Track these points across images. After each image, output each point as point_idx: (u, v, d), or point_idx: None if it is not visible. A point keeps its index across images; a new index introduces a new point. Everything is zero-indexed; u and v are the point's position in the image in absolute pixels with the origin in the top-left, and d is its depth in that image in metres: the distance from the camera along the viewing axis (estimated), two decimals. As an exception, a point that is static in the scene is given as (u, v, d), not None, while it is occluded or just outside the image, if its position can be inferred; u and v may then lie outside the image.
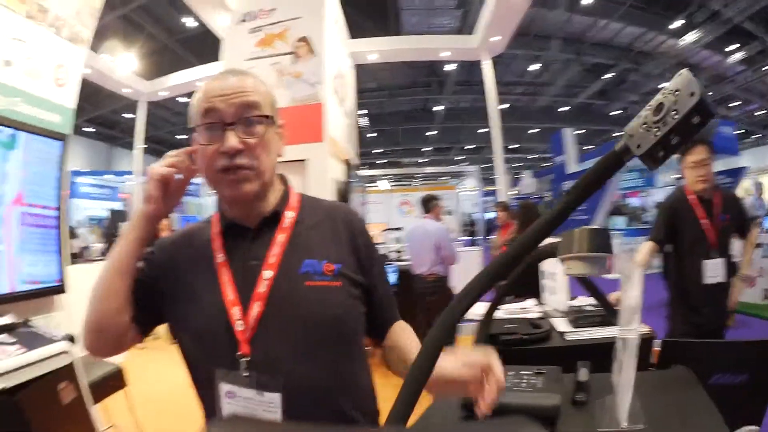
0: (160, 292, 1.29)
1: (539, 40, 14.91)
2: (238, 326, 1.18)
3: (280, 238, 1.27)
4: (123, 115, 18.67)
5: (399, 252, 8.42)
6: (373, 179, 18.48)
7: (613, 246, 0.89)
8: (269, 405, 1.16)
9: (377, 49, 9.08)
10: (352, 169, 6.29)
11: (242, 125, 1.19)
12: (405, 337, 1.43)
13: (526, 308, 2.86)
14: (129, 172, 14.45)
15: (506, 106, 20.68)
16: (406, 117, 23.08)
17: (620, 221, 15.57)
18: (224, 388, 1.18)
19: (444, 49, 9.49)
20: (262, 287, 1.21)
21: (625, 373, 1.15)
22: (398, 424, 0.64)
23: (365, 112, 20.78)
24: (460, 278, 6.29)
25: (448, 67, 17.04)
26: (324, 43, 6.07)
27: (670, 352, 1.83)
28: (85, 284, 1.31)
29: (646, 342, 2.06)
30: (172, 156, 1.26)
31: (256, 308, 1.19)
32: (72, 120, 3.96)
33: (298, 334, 1.20)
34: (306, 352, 1.19)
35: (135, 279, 1.26)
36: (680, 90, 0.52)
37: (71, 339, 2.78)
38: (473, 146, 26.91)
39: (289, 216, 1.32)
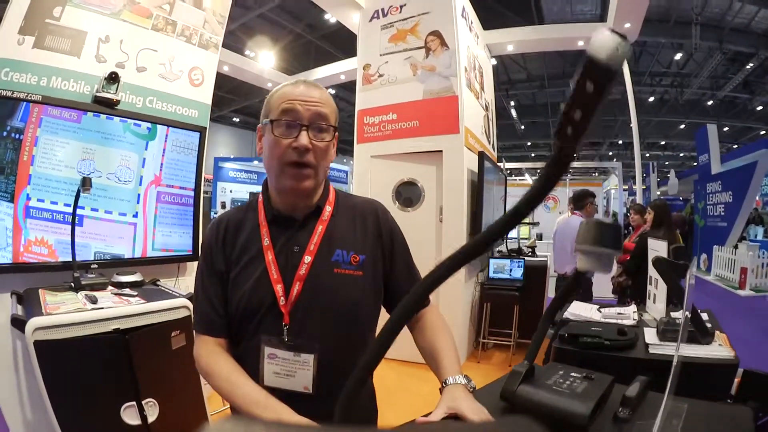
0: (225, 275, 1.52)
1: (680, 27, 14.11)
2: (281, 301, 1.43)
3: (320, 228, 1.50)
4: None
5: (531, 248, 8.28)
6: (519, 172, 18.29)
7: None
8: (304, 363, 1.42)
9: (512, 40, 8.93)
10: (485, 161, 6.22)
11: (314, 129, 1.40)
12: (432, 321, 1.61)
13: (624, 314, 2.73)
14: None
15: (652, 99, 19.82)
16: (557, 108, 22.43)
17: (759, 231, 14.26)
18: (267, 351, 1.43)
19: (579, 38, 9.22)
20: (302, 270, 1.44)
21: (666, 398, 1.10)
22: (354, 387, 0.69)
23: (513, 104, 20.53)
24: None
25: (595, 56, 16.49)
26: (456, 36, 6.08)
27: (752, 384, 1.70)
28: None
29: (728, 369, 1.95)
30: None
31: (296, 288, 1.43)
32: (208, 114, 4.40)
33: (325, 312, 1.44)
34: (330, 326, 1.44)
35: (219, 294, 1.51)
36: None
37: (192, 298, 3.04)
38: (623, 141, 25.73)
39: (327, 210, 1.54)
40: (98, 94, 3.49)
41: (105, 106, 3.52)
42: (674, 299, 2.31)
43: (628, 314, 2.69)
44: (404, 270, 1.62)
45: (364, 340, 1.51)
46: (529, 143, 26.92)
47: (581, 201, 6.19)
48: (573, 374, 1.36)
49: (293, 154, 1.38)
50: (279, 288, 1.42)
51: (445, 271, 0.58)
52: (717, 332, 2.27)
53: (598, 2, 12.43)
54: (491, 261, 6.75)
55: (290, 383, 1.42)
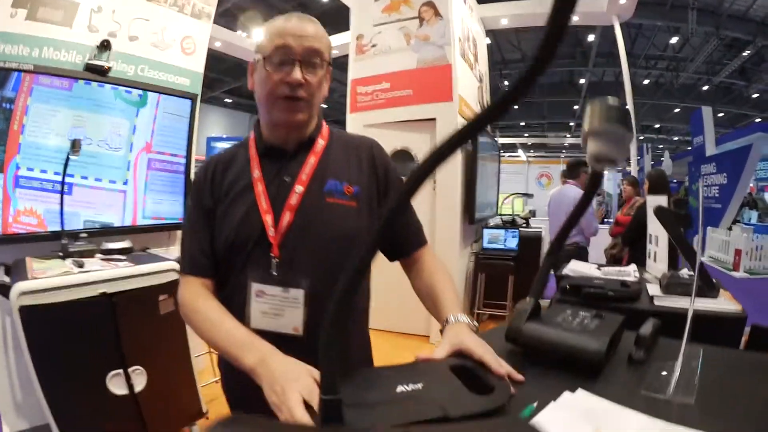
0: (213, 213, 1.47)
1: (677, 10, 14.07)
2: (270, 232, 1.38)
3: (312, 160, 1.46)
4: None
5: (526, 219, 8.33)
6: (513, 148, 18.30)
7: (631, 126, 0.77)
8: (293, 300, 1.36)
9: (507, 13, 8.84)
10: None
11: (307, 64, 1.37)
12: (430, 262, 1.58)
13: (624, 272, 2.67)
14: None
15: (647, 82, 19.76)
16: (552, 90, 22.44)
17: (753, 215, 14.39)
18: (254, 288, 1.38)
19: (574, 13, 9.17)
20: (293, 200, 1.40)
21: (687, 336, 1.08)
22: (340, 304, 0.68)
23: (507, 84, 20.49)
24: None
25: (591, 38, 16.45)
26: (450, 6, 6.04)
27: (761, 339, 1.68)
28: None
29: (737, 322, 1.92)
30: None
31: (286, 217, 1.39)
32: (200, 82, 4.41)
33: (316, 244, 1.39)
34: (322, 260, 1.38)
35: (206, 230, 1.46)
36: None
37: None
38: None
39: (320, 143, 1.51)
40: (90, 62, 3.48)
41: (96, 73, 3.51)
42: (679, 251, 2.27)
43: (629, 272, 2.64)
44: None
45: None
46: (522, 123, 26.85)
47: (575, 170, 6.21)
48: (582, 313, 1.30)
49: (286, 89, 1.35)
50: (268, 218, 1.38)
51: (432, 162, 0.55)
52: (721, 290, 2.24)
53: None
54: (485, 231, 6.75)
55: (279, 324, 1.37)
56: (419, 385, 0.94)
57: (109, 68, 3.59)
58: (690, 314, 1.08)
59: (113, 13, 3.71)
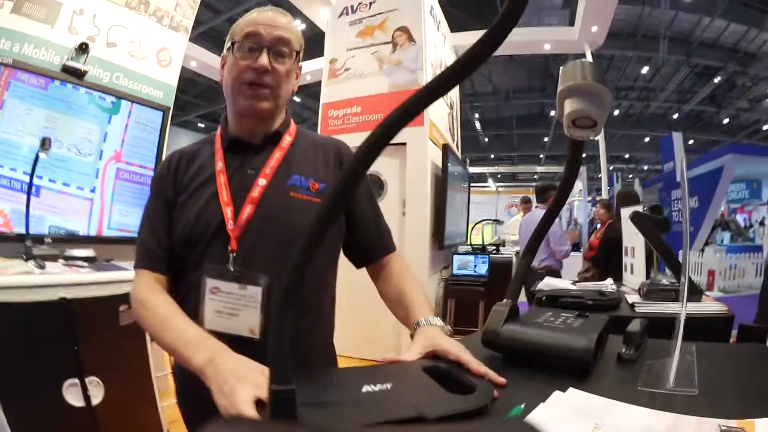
0: (174, 206, 1.42)
1: (648, 41, 14.40)
2: (229, 224, 1.32)
3: (277, 154, 1.43)
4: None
5: (496, 245, 8.40)
6: (482, 178, 18.38)
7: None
8: (251, 299, 1.30)
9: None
10: (450, 154, 6.28)
11: (275, 53, 1.36)
12: (398, 267, 1.53)
13: (601, 284, 2.61)
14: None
15: (617, 113, 20.06)
16: (521, 121, 22.63)
17: (725, 236, 14.65)
18: (210, 284, 1.30)
19: (546, 41, 9.33)
20: (255, 192, 1.35)
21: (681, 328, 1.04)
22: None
23: (477, 116, 20.66)
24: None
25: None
26: (423, 31, 6.15)
27: (748, 338, 1.69)
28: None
29: (725, 322, 1.89)
30: None
31: (247, 210, 1.33)
32: (173, 95, 4.43)
33: (276, 239, 1.33)
34: (282, 258, 1.17)
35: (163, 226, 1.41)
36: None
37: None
38: (587, 154, 25.90)
39: (287, 138, 1.47)
40: (67, 63, 3.52)
41: (73, 75, 3.53)
42: (659, 255, 2.26)
43: (606, 285, 2.58)
44: (370, 212, 1.54)
45: (320, 278, 1.42)
46: (492, 156, 27.05)
47: (545, 194, 6.22)
48: (564, 314, 1.24)
49: (251, 74, 1.34)
50: (228, 211, 1.33)
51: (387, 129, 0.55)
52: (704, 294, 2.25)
53: (566, 14, 12.62)
54: (455, 257, 6.78)
55: (234, 324, 1.28)
56: (387, 386, 0.85)
57: (86, 72, 3.61)
58: (684, 304, 1.05)
59: (94, 17, 3.77)
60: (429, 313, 1.28)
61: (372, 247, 1.54)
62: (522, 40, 9.33)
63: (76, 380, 2.65)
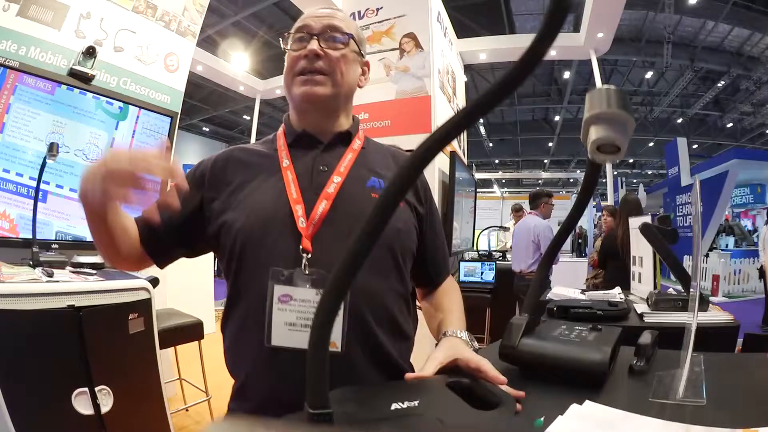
0: (207, 211, 1.31)
1: (652, 45, 14.44)
2: (301, 223, 1.18)
3: (350, 155, 1.35)
4: (244, 117, 19.94)
5: (502, 252, 8.46)
6: (487, 183, 18.45)
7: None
8: None
9: (485, 48, 9.04)
10: (457, 162, 6.26)
11: (326, 38, 1.32)
12: (447, 284, 1.51)
13: (609, 294, 2.65)
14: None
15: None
16: (526, 127, 22.71)
17: (729, 241, 14.65)
18: (278, 291, 1.13)
19: (551, 47, 9.33)
20: (331, 188, 1.24)
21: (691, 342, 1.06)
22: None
23: (482, 121, 20.70)
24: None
25: (566, 75, 16.73)
26: (431, 38, 6.12)
27: (754, 346, 1.67)
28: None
29: (730, 331, 1.92)
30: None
31: (322, 206, 1.21)
32: (180, 101, 4.41)
33: None
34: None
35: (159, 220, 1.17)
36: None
37: (154, 281, 3.00)
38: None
39: (357, 142, 1.40)
40: (74, 68, 3.49)
41: (80, 80, 3.51)
42: (668, 267, 2.26)
43: (614, 294, 2.62)
44: (436, 225, 1.48)
45: (401, 280, 1.29)
46: (497, 161, 27.10)
47: (537, 200, 6.38)
48: (578, 327, 1.25)
49: (303, 62, 1.29)
50: (299, 208, 1.19)
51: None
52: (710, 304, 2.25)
53: (572, 20, 12.62)
54: (462, 264, 6.76)
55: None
56: (415, 403, 0.84)
57: (93, 76, 3.58)
58: (695, 317, 1.06)
59: (101, 21, 3.75)
60: (459, 327, 1.25)
61: (438, 272, 1.49)
62: (527, 45, 9.28)
63: (86, 389, 2.62)
